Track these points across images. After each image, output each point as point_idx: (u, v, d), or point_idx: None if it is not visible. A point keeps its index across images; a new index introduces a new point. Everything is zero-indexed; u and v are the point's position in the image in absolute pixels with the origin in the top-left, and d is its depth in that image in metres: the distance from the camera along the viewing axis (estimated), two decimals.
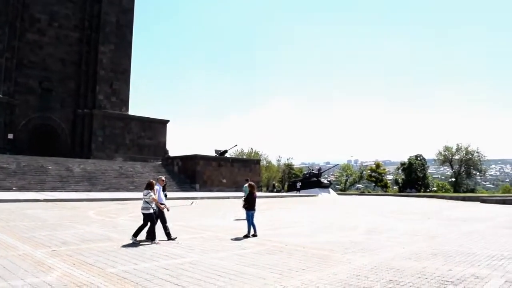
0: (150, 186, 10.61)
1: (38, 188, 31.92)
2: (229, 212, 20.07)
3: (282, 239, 11.31)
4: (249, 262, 8.07)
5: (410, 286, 6.37)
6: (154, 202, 10.54)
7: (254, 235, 11.68)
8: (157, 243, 10.12)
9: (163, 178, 12.25)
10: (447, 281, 6.78)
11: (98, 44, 51.57)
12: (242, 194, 17.13)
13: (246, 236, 11.57)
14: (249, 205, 11.91)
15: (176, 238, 10.79)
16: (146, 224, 10.48)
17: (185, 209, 21.36)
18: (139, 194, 31.30)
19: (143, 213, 10.44)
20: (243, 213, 16.82)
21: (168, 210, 11.26)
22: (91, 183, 36.45)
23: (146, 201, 10.44)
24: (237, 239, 11.34)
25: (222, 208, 22.73)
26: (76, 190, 33.45)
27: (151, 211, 10.43)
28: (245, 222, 12.16)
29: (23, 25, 46.58)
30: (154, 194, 10.61)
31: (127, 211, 19.91)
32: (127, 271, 7.03)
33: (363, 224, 16.01)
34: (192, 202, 21.07)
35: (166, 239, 10.64)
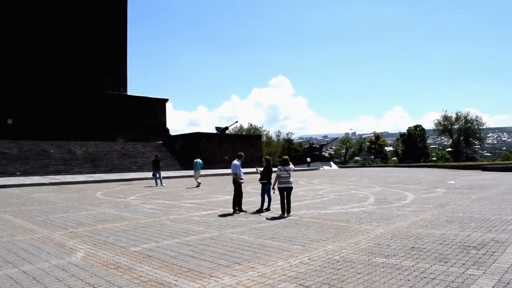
0: (287, 162, 11.08)
1: (42, 172, 31.92)
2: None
3: (295, 212, 11.34)
4: (269, 235, 8.10)
5: (434, 253, 6.41)
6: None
7: (267, 209, 11.73)
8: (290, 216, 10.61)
9: (242, 153, 12.51)
10: (468, 246, 6.83)
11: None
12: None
13: (259, 211, 11.60)
14: (267, 180, 11.71)
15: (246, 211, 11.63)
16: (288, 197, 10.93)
17: (191, 188, 21.41)
18: (143, 174, 31.63)
19: (289, 187, 10.94)
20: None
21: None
22: (94, 164, 36.44)
23: (289, 175, 10.99)
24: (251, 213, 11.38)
25: (228, 185, 22.75)
26: (80, 173, 33.49)
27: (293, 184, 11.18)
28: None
29: None
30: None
31: (135, 190, 19.96)
32: (151, 249, 7.04)
33: (371, 195, 16.10)
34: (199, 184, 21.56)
35: (238, 212, 11.50)
